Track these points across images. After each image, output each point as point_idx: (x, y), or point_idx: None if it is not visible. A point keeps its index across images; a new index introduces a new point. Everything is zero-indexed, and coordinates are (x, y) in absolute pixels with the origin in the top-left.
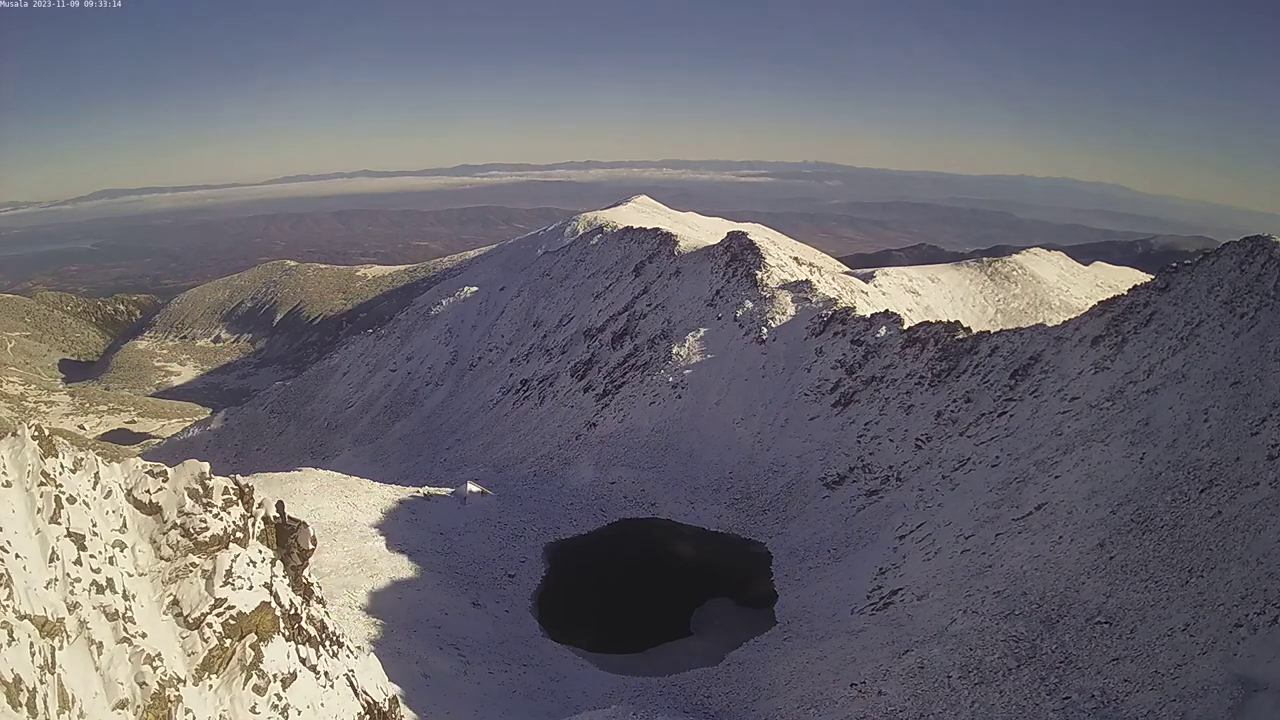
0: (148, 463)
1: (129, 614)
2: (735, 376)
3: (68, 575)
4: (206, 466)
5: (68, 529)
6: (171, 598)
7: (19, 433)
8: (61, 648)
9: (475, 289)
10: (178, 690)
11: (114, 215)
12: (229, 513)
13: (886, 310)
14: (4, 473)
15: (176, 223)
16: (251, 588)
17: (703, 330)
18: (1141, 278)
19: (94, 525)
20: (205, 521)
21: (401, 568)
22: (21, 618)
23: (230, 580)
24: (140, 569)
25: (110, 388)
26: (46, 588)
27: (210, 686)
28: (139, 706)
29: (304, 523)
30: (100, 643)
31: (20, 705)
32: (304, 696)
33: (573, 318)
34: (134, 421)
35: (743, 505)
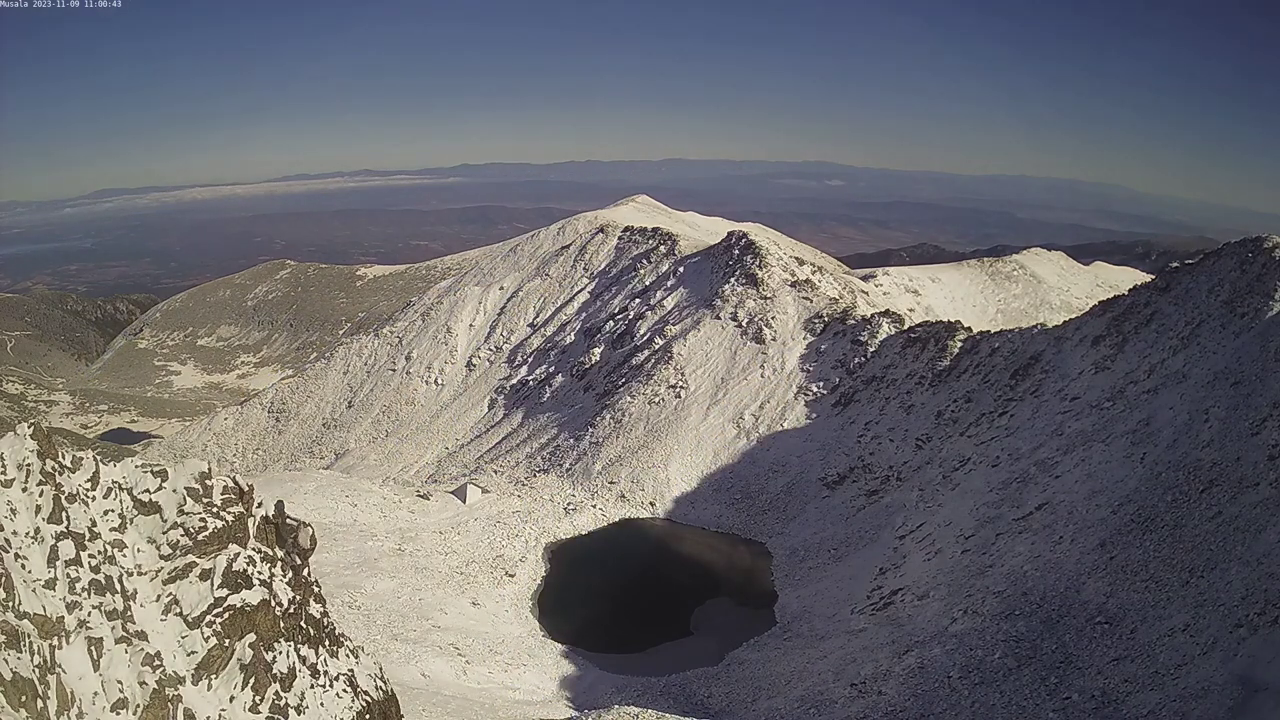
0: (148, 462)
1: (129, 613)
2: (735, 376)
3: (67, 574)
4: (206, 466)
5: (67, 528)
6: (171, 597)
7: (18, 431)
8: (61, 647)
9: (476, 288)
10: (177, 690)
11: (114, 215)
12: (229, 512)
13: (887, 310)
14: (3, 471)
15: (176, 223)
16: (251, 587)
17: (703, 330)
18: (1141, 278)
19: (94, 524)
20: (205, 521)
21: (401, 568)
22: (21, 617)
23: (230, 580)
24: (140, 568)
25: (110, 387)
26: (46, 587)
27: (210, 686)
28: (139, 706)
29: (304, 522)
30: (100, 642)
31: (20, 705)
32: (303, 696)
33: (573, 318)
34: (134, 421)
35: (743, 505)
